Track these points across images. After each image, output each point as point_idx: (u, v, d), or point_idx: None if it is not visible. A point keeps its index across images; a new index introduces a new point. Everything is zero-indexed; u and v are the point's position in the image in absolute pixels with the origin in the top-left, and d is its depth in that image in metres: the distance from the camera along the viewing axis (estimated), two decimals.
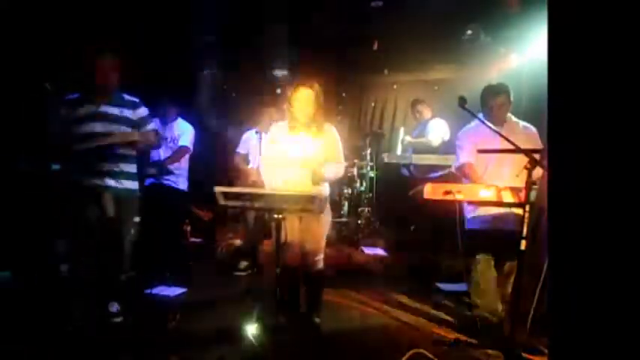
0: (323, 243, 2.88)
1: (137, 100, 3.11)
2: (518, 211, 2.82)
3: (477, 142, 3.02)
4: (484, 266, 3.00)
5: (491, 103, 3.02)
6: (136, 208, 3.16)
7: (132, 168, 3.07)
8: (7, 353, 2.40)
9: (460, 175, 3.13)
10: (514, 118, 3.14)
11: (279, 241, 2.40)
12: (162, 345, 2.62)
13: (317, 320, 2.89)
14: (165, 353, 2.52)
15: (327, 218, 2.88)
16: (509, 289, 2.96)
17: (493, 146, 2.86)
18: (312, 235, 2.81)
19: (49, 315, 2.83)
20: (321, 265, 2.87)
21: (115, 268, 2.97)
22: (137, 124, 3.05)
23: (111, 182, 2.94)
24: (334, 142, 2.89)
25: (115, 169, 2.95)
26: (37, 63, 3.60)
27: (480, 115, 3.05)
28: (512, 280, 2.93)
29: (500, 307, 2.96)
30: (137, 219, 3.19)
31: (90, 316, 2.84)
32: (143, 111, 3.11)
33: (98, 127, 2.90)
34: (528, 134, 3.05)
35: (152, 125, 3.18)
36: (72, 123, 2.90)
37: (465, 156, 3.06)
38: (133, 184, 3.07)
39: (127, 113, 3.00)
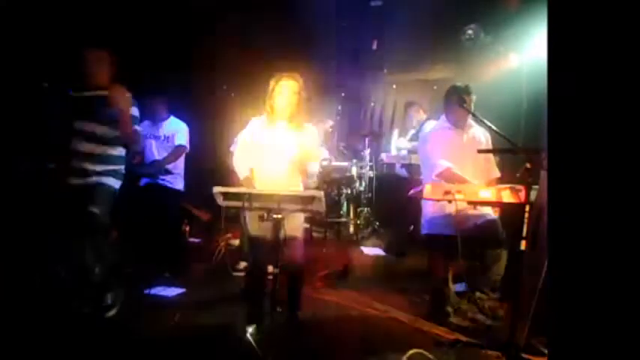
0: (300, 235, 2.78)
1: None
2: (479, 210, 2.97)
3: (444, 143, 3.07)
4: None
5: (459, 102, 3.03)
6: (95, 199, 2.88)
7: (111, 167, 2.97)
8: (7, 353, 2.40)
9: (443, 180, 3.02)
10: (470, 121, 3.17)
11: (279, 240, 2.39)
12: (162, 345, 2.61)
13: (298, 316, 2.84)
14: (165, 353, 2.52)
15: (301, 214, 2.76)
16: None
17: (456, 147, 3.04)
18: (290, 230, 2.58)
19: (49, 314, 2.82)
20: (301, 260, 2.76)
21: (95, 262, 2.87)
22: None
23: (74, 180, 2.89)
24: (312, 141, 2.81)
25: (81, 166, 2.89)
26: (35, 62, 3.59)
27: (459, 115, 3.11)
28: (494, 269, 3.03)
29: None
30: (95, 209, 2.84)
31: (85, 313, 2.83)
32: (131, 111, 2.97)
33: (86, 125, 2.85)
34: (485, 137, 3.16)
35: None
36: (70, 119, 2.88)
37: (444, 160, 3.03)
38: (97, 179, 2.92)
39: (113, 112, 2.86)
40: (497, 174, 3.20)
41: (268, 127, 2.75)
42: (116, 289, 2.91)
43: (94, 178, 2.92)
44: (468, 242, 2.70)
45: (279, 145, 2.71)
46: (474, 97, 3.05)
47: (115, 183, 3.01)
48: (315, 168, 2.85)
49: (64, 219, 2.89)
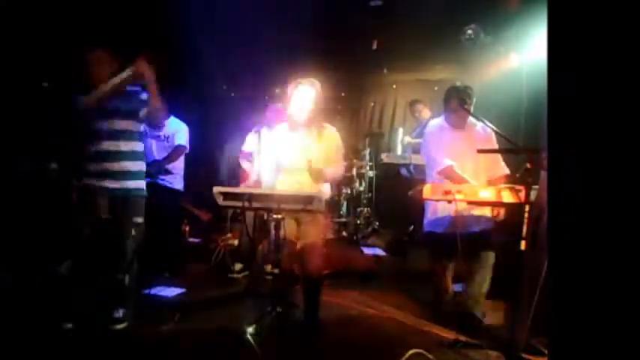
0: (322, 244, 2.82)
1: (138, 88, 2.95)
2: (480, 212, 2.98)
3: (442, 143, 3.08)
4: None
5: (458, 103, 3.04)
6: (138, 209, 2.94)
7: (134, 166, 2.92)
8: (7, 353, 2.40)
9: (444, 178, 3.05)
10: (473, 120, 3.15)
11: (278, 241, 2.39)
12: (162, 345, 2.61)
13: (319, 321, 2.86)
14: (165, 353, 2.52)
15: (324, 220, 2.81)
16: (477, 288, 3.04)
17: (456, 145, 3.05)
18: (311, 237, 2.73)
19: (49, 315, 2.82)
20: (321, 267, 2.78)
21: (112, 270, 2.87)
22: (139, 108, 2.93)
23: (108, 183, 2.83)
24: (334, 144, 2.82)
25: (114, 168, 2.83)
26: (34, 62, 3.58)
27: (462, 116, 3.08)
28: (476, 278, 3.02)
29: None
30: (139, 220, 2.92)
31: (91, 318, 2.82)
32: (144, 97, 2.94)
33: (105, 124, 2.81)
34: (486, 136, 3.13)
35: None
36: (81, 122, 2.84)
37: (447, 159, 3.04)
38: (134, 184, 2.91)
39: (132, 104, 2.89)
40: (505, 171, 3.14)
41: (289, 135, 2.78)
42: (129, 303, 2.88)
43: (131, 183, 2.88)
44: (466, 244, 2.71)
45: (299, 153, 2.72)
46: (474, 99, 3.05)
47: (139, 184, 2.98)
48: (338, 172, 2.85)
49: (103, 224, 2.85)
